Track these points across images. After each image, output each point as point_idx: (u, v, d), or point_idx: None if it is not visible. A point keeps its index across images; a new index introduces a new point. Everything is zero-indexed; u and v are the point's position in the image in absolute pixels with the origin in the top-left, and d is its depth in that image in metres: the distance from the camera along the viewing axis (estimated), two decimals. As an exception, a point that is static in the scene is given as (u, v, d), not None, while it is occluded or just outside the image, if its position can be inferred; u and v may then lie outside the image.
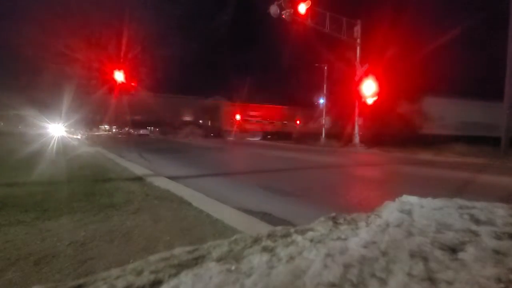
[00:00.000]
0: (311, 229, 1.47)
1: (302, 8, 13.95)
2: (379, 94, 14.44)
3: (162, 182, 3.88)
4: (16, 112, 26.42)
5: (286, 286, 0.90)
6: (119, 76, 23.26)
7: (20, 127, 31.12)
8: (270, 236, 1.37)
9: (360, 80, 15.06)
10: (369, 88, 14.59)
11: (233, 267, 1.04)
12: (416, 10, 21.40)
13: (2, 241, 1.82)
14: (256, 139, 30.61)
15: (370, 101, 14.68)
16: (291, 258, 1.08)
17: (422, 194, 2.09)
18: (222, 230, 2.10)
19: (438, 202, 1.70)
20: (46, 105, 23.27)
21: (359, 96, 15.28)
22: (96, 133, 38.90)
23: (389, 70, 15.98)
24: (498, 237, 1.17)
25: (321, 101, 24.26)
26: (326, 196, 3.62)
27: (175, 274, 1.01)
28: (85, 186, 3.30)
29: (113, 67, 22.74)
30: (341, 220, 1.61)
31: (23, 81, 23.42)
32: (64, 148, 9.85)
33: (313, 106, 29.93)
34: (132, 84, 25.15)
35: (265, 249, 1.19)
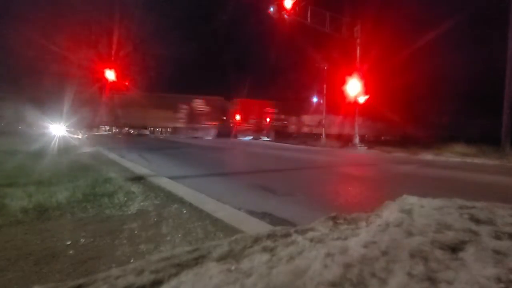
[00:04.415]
0: (311, 229, 1.47)
1: (288, 4, 13.81)
2: (379, 94, 14.48)
3: (162, 182, 3.88)
4: (17, 112, 26.47)
5: (286, 286, 0.90)
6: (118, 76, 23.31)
7: (21, 127, 31.13)
8: (270, 236, 1.38)
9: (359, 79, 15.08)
10: (353, 88, 14.78)
11: (233, 267, 1.04)
12: (417, 10, 21.39)
13: (2, 241, 1.83)
14: (261, 139, 30.49)
15: (361, 100, 14.78)
16: (291, 258, 1.08)
17: (422, 194, 2.09)
18: (222, 230, 2.10)
19: (438, 202, 1.70)
20: (47, 105, 23.34)
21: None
22: (96, 133, 38.92)
23: (389, 70, 15.98)
24: (498, 237, 1.17)
25: (321, 101, 24.27)
26: (327, 196, 3.62)
27: (176, 274, 1.01)
28: (85, 186, 3.30)
29: (114, 67, 22.80)
30: (341, 220, 1.62)
31: (24, 81, 23.47)
32: (65, 148, 9.85)
33: (313, 106, 29.94)
34: (126, 83, 25.28)
35: (265, 249, 1.20)
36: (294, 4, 13.87)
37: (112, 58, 22.82)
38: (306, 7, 14.16)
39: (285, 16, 13.96)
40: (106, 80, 21.96)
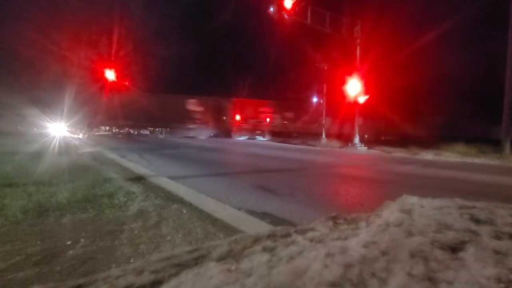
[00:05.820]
0: (311, 229, 1.47)
1: (288, 4, 13.82)
2: (379, 94, 14.48)
3: (162, 182, 3.88)
4: (17, 112, 26.44)
5: (286, 286, 0.90)
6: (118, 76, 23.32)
7: (20, 127, 31.11)
8: (270, 236, 1.38)
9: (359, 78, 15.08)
10: (353, 88, 14.78)
11: (233, 267, 1.04)
12: (417, 10, 21.41)
13: (2, 241, 1.83)
14: (261, 139, 30.42)
15: (361, 100, 14.78)
16: (291, 258, 1.08)
17: (422, 194, 2.09)
18: (222, 230, 2.10)
19: (438, 202, 1.70)
20: (47, 104, 23.34)
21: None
22: (97, 133, 38.92)
23: (389, 70, 16.00)
24: (498, 237, 1.17)
25: (321, 101, 24.28)
26: (327, 196, 3.62)
27: (176, 274, 1.01)
28: (86, 187, 3.30)
29: (114, 66, 22.81)
30: (341, 220, 1.62)
31: (24, 81, 23.47)
32: (66, 148, 9.84)
33: (313, 106, 29.93)
34: (126, 83, 25.30)
35: (265, 249, 1.20)
36: (294, 4, 13.86)
37: (112, 58, 22.84)
38: (306, 7, 14.16)
39: (285, 16, 13.96)
40: (113, 79, 21.94)
